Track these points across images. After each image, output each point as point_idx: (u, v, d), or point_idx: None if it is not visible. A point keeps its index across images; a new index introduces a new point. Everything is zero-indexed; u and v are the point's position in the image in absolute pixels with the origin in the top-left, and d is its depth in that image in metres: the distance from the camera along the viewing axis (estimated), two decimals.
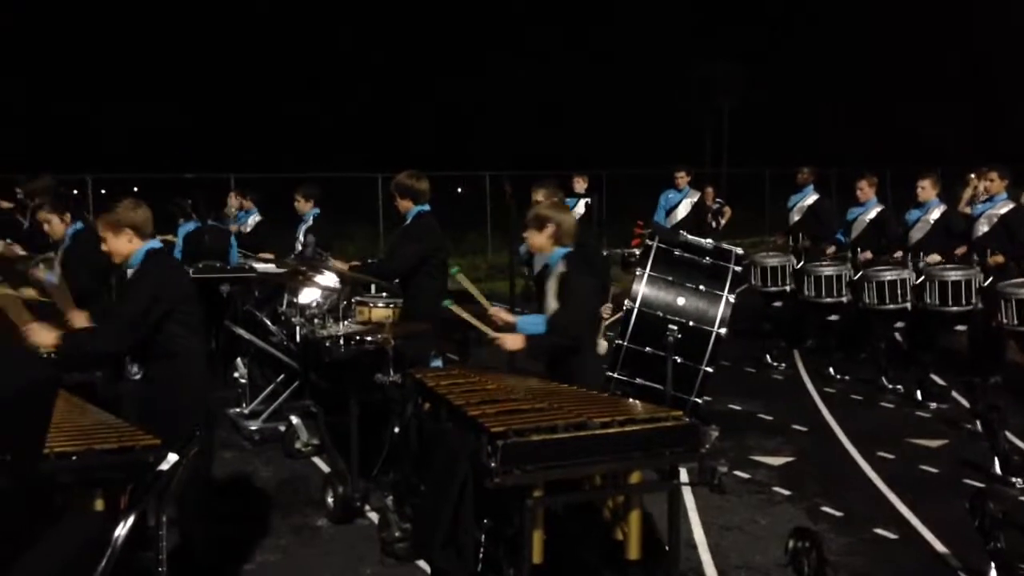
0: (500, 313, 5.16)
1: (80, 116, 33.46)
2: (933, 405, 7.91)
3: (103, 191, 17.57)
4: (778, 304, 9.78)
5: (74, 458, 3.16)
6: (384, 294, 6.48)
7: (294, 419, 6.79)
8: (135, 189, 20.30)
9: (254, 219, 10.60)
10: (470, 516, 4.12)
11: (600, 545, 4.19)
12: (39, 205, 7.24)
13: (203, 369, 4.51)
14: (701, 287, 6.51)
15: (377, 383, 5.22)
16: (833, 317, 9.09)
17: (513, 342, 4.82)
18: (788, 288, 9.57)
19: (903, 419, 7.66)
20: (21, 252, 7.18)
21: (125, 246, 4.40)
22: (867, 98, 38.38)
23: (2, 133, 30.11)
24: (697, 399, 6.44)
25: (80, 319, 4.70)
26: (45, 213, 6.89)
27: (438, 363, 5.90)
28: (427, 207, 6.29)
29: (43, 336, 4.13)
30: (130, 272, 4.43)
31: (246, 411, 7.32)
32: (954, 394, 8.22)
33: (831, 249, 9.48)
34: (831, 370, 9.00)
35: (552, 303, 4.86)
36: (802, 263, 9.57)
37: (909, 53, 37.31)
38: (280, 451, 6.82)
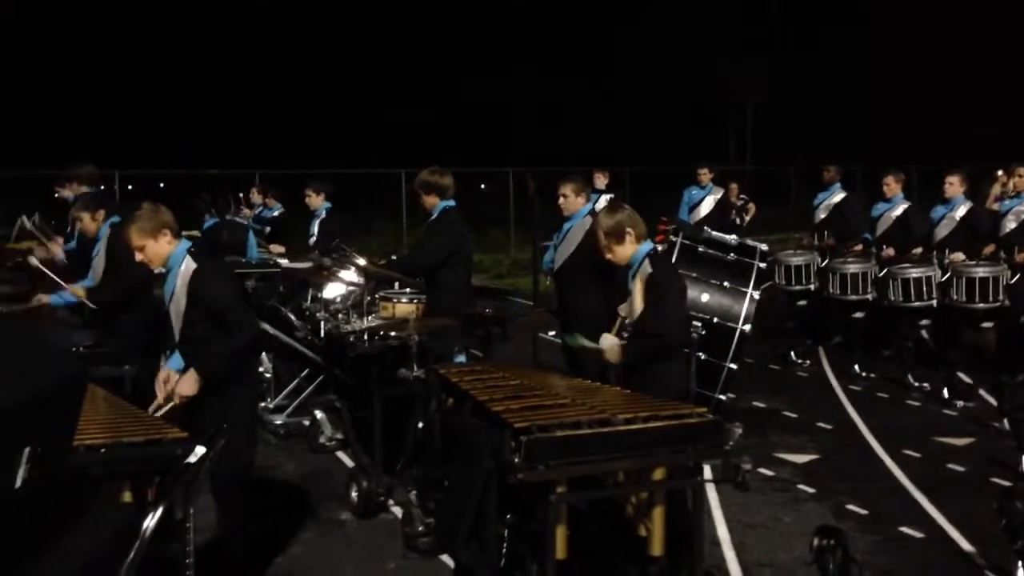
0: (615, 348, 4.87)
1: (108, 112, 33.75)
2: (960, 403, 7.84)
3: (130, 187, 17.72)
4: (803, 302, 9.71)
5: (103, 450, 3.20)
6: (408, 290, 6.49)
7: (318, 414, 6.83)
8: (161, 185, 20.49)
9: (276, 212, 10.69)
10: (493, 511, 4.13)
11: (623, 541, 4.19)
12: (79, 199, 7.28)
13: (253, 365, 4.69)
14: (725, 283, 6.52)
15: (401, 378, 5.24)
16: (858, 315, 9.01)
17: (613, 354, 4.66)
18: (813, 286, 9.51)
19: (929, 417, 7.60)
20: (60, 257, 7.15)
21: (165, 248, 4.39)
22: (894, 94, 38.02)
23: (29, 130, 30.46)
24: (721, 396, 6.47)
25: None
26: (76, 211, 6.93)
27: (462, 359, 5.91)
28: (452, 202, 6.28)
29: (188, 387, 4.19)
30: (182, 274, 4.37)
31: (271, 405, 7.37)
32: (981, 392, 8.14)
33: (858, 247, 9.41)
34: (856, 368, 8.94)
35: (639, 304, 4.68)
36: (827, 261, 9.49)
37: (937, 49, 36.94)
38: (305, 446, 6.86)
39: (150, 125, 33.94)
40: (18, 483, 1.94)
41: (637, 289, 4.66)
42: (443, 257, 6.06)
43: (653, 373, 4.60)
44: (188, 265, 4.35)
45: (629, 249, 4.71)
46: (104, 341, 5.57)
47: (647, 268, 4.62)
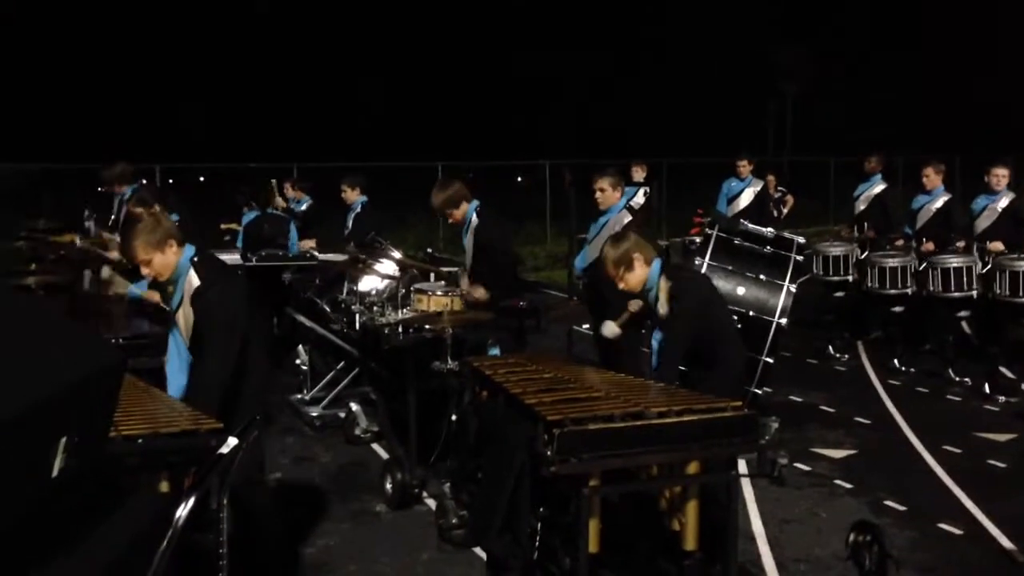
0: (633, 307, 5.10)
1: (148, 106, 34.18)
2: (1002, 398, 7.71)
3: (171, 180, 17.92)
4: (841, 294, 9.59)
5: (140, 441, 3.24)
6: (443, 282, 6.51)
7: (354, 406, 6.88)
8: (201, 179, 20.73)
9: (306, 205, 10.76)
10: (526, 504, 4.14)
11: (657, 535, 4.18)
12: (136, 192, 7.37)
13: (262, 379, 4.42)
14: (762, 276, 6.47)
15: (435, 371, 5.26)
16: (897, 308, 8.88)
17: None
18: (851, 278, 9.39)
19: (970, 412, 7.48)
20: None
21: (172, 258, 4.22)
22: (935, 83, 37.40)
23: (75, 124, 30.96)
24: (757, 390, 6.42)
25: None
26: (132, 206, 7.02)
27: (496, 351, 5.91)
28: (477, 202, 6.25)
29: None
30: (188, 285, 4.20)
31: (307, 397, 7.44)
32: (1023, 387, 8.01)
33: (899, 241, 9.26)
34: (896, 362, 8.81)
35: (663, 311, 4.74)
36: (866, 253, 9.37)
37: (982, 40, 36.28)
38: (340, 437, 6.91)
39: (191, 119, 34.33)
40: (55, 472, 1.98)
41: (663, 304, 4.73)
42: (513, 260, 6.07)
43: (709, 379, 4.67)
44: (192, 279, 4.18)
45: (640, 274, 4.77)
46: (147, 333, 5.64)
47: (663, 284, 4.71)
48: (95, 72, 33.64)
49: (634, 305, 4.89)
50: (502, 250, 6.17)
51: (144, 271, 4.30)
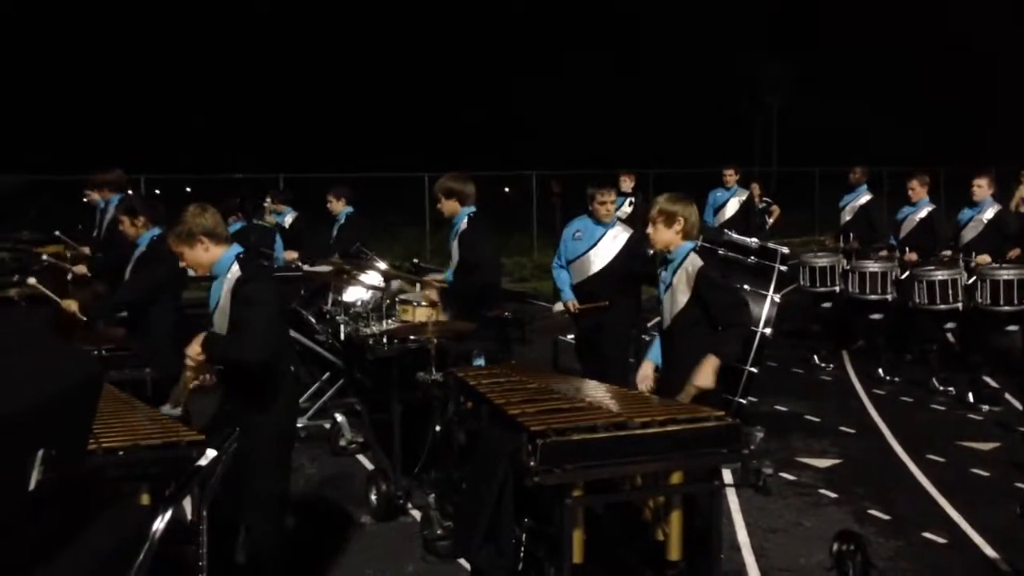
0: (645, 378, 4.94)
1: (133, 117, 34.09)
2: (985, 407, 7.75)
3: (156, 191, 17.87)
4: (827, 305, 9.63)
5: (121, 453, 3.22)
6: (428, 293, 6.50)
7: (339, 417, 6.87)
8: (187, 189, 20.66)
9: (290, 217, 10.72)
10: (510, 515, 4.13)
11: (641, 545, 4.17)
12: (123, 200, 7.33)
13: (294, 383, 4.42)
14: (745, 287, 6.45)
15: (419, 381, 5.25)
16: (876, 316, 8.91)
17: (703, 378, 4.52)
18: (837, 288, 9.42)
19: (954, 422, 7.51)
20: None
21: (203, 256, 4.14)
22: (920, 96, 37.68)
23: (57, 135, 30.85)
24: (741, 400, 6.41)
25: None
26: (119, 212, 6.99)
27: (480, 362, 5.91)
28: (473, 209, 6.25)
29: (193, 348, 3.96)
30: (228, 281, 4.13)
31: None
32: (1007, 396, 8.05)
33: (883, 252, 9.31)
34: (880, 371, 8.85)
35: (681, 298, 4.68)
36: (851, 263, 9.41)
37: (965, 51, 36.58)
38: (326, 448, 6.89)
39: (176, 129, 34.25)
40: (32, 485, 1.96)
41: (680, 282, 4.68)
42: (496, 263, 6.06)
43: (693, 365, 4.58)
44: (234, 273, 4.10)
45: (672, 238, 4.74)
46: (127, 343, 5.61)
47: (696, 261, 4.65)
48: (80, 83, 33.55)
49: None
50: (477, 261, 6.16)
51: (181, 263, 4.33)
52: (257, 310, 3.98)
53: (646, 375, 4.94)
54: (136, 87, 34.77)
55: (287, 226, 10.36)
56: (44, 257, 7.84)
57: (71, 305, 5.86)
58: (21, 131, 30.99)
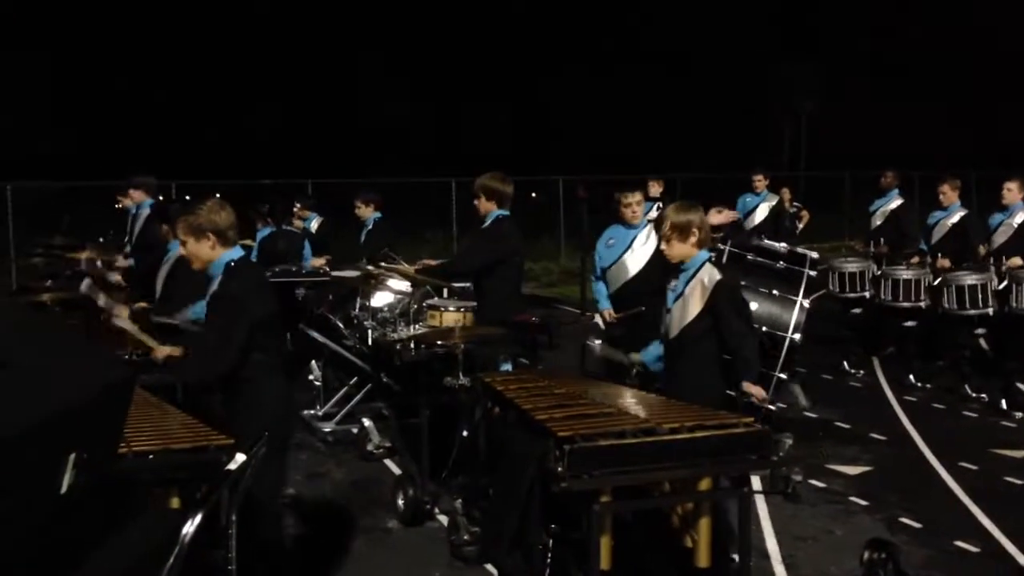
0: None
1: (164, 122, 34.45)
2: (1019, 414, 7.65)
3: (187, 197, 18.02)
4: (857, 310, 9.54)
5: (151, 457, 3.26)
6: (456, 298, 6.52)
7: (366, 421, 6.88)
8: (217, 195, 20.83)
9: (316, 222, 10.79)
10: (538, 520, 4.13)
11: (669, 552, 4.15)
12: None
13: (280, 394, 4.24)
14: (775, 292, 6.44)
15: (447, 386, 5.25)
16: (910, 323, 8.82)
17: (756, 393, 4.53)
18: (867, 294, 9.33)
19: (987, 429, 7.42)
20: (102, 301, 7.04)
21: (207, 252, 4.11)
22: (954, 99, 37.26)
23: (89, 140, 31.23)
24: (770, 406, 6.37)
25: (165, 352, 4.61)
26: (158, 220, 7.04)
27: (507, 367, 5.90)
28: (507, 212, 6.23)
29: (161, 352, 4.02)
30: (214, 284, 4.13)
31: (320, 413, 7.45)
32: None
33: (915, 259, 9.19)
34: (911, 378, 8.75)
35: (693, 309, 4.60)
36: (882, 268, 9.31)
37: (997, 51, 36.15)
38: (353, 452, 6.91)
39: (206, 135, 34.56)
40: (64, 488, 1.98)
41: (694, 294, 4.61)
42: (484, 264, 6.01)
43: (697, 377, 4.57)
44: (217, 281, 4.10)
45: (688, 250, 4.66)
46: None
47: (714, 275, 4.58)
48: (111, 88, 33.93)
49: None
50: (466, 250, 6.18)
51: (180, 250, 4.32)
52: (218, 324, 3.96)
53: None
54: (167, 92, 35.12)
55: (313, 231, 10.42)
56: (84, 259, 7.92)
57: (123, 311, 5.83)
58: (53, 137, 31.43)
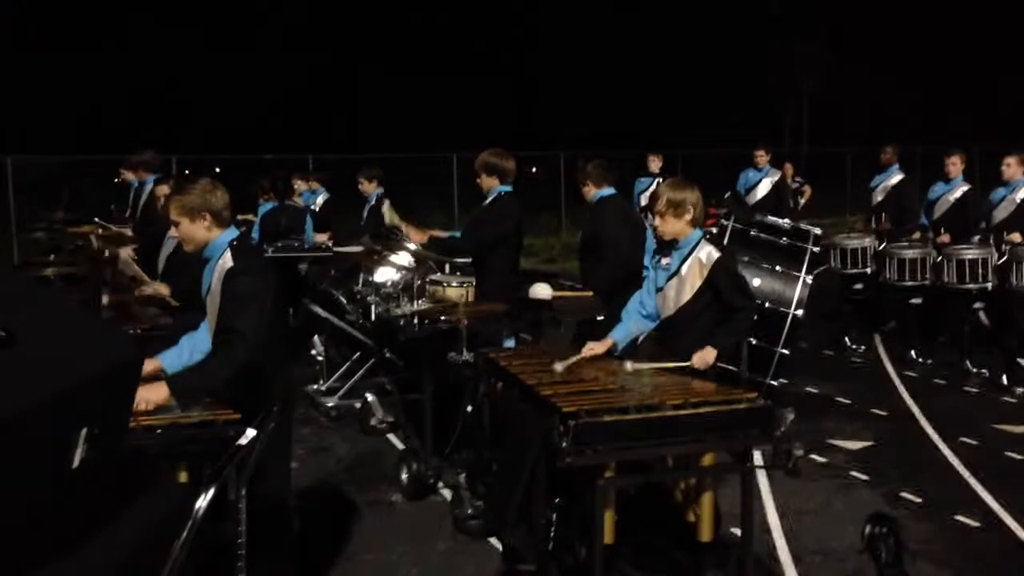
0: (596, 348, 4.65)
1: (163, 97, 34.31)
2: (1019, 390, 7.67)
3: (187, 171, 17.98)
4: (859, 286, 9.55)
5: (159, 431, 3.27)
6: (458, 273, 6.53)
7: (369, 396, 6.90)
8: (216, 170, 20.79)
9: (322, 198, 10.78)
10: (542, 495, 4.16)
11: (672, 526, 4.18)
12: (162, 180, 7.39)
13: (284, 370, 4.14)
14: (778, 268, 6.45)
15: (450, 362, 5.27)
16: (915, 300, 8.84)
17: (706, 357, 4.41)
18: (869, 270, 9.34)
19: (987, 404, 7.45)
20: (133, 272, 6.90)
21: (202, 233, 3.96)
22: (955, 75, 37.05)
23: (88, 115, 31.13)
24: (773, 381, 6.40)
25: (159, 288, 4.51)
26: (159, 190, 7.04)
27: (511, 343, 5.92)
28: (510, 187, 6.23)
29: (152, 394, 3.51)
30: (219, 268, 3.93)
31: (323, 388, 7.47)
32: None
33: (916, 235, 9.19)
34: (912, 353, 8.78)
35: (689, 287, 4.55)
36: (884, 245, 9.30)
37: (1000, 26, 35.91)
38: (356, 427, 6.94)
39: (204, 110, 34.43)
40: (75, 463, 2.00)
41: (691, 271, 4.59)
42: (489, 242, 6.02)
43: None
44: (226, 260, 3.91)
45: (682, 228, 4.60)
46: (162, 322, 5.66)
47: (712, 253, 4.55)
48: (110, 63, 33.75)
49: (599, 348, 4.76)
50: (468, 228, 6.25)
51: (172, 232, 4.12)
52: (247, 313, 3.76)
53: (595, 351, 4.64)
54: (166, 67, 34.93)
55: (318, 207, 10.42)
56: (92, 237, 7.93)
57: (160, 288, 5.80)
58: (52, 112, 31.32)
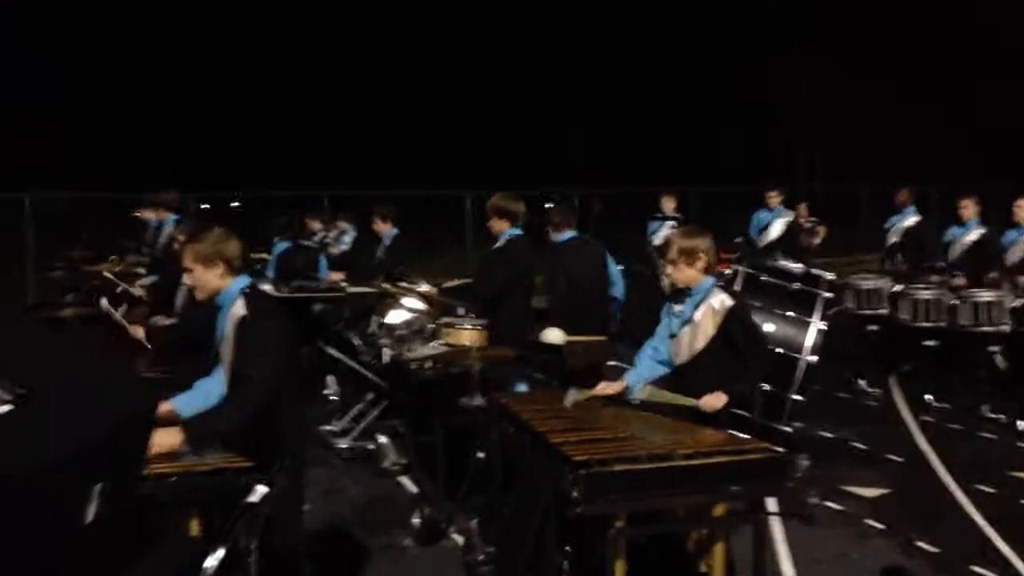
0: (609, 388, 4.72)
1: (179, 134, 34.69)
2: None
3: (204, 206, 18.11)
4: (873, 327, 9.50)
5: (172, 479, 3.28)
6: (472, 315, 6.54)
7: (382, 438, 6.90)
8: (233, 205, 20.95)
9: (351, 237, 10.87)
10: (552, 542, 4.14)
11: None
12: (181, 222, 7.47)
13: (296, 417, 4.15)
14: (789, 313, 6.42)
15: (462, 407, 5.27)
16: (930, 343, 8.78)
17: (715, 401, 4.38)
18: (884, 311, 9.29)
19: (1005, 450, 7.36)
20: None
21: (215, 281, 4.03)
22: (971, 110, 37.07)
23: (105, 152, 31.47)
24: (786, 428, 6.36)
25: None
26: (176, 233, 7.12)
27: (523, 387, 5.91)
28: (520, 231, 6.31)
29: (165, 439, 3.48)
30: (232, 315, 3.96)
31: (337, 428, 7.47)
32: None
33: (934, 277, 9.15)
34: (928, 397, 8.70)
35: (703, 335, 4.54)
36: (900, 286, 9.26)
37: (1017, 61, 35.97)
38: (369, 469, 6.92)
39: (220, 147, 34.77)
40: (88, 518, 2.01)
41: (704, 319, 4.59)
42: (503, 286, 6.09)
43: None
44: (238, 308, 3.95)
45: (695, 275, 4.61)
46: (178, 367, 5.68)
47: (725, 300, 4.55)
48: (126, 100, 34.18)
49: (612, 388, 4.77)
50: (480, 276, 6.37)
51: (185, 278, 4.19)
52: (259, 361, 3.80)
53: (608, 391, 4.68)
54: (181, 104, 35.34)
55: (348, 246, 10.50)
56: (107, 275, 8.00)
57: (138, 331, 5.91)
58: (69, 148, 31.67)
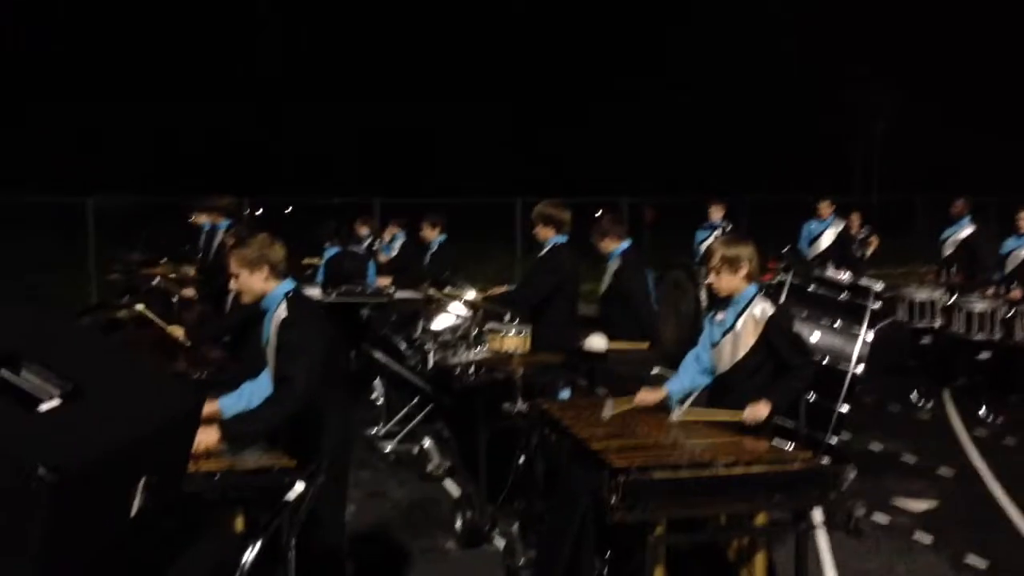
0: (648, 398, 4.70)
1: (235, 140, 35.28)
2: None
3: (259, 210, 18.39)
4: (926, 340, 9.34)
5: (217, 477, 3.36)
6: (516, 321, 6.57)
7: (427, 442, 6.96)
8: (287, 211, 21.26)
9: (400, 243, 10.98)
10: (591, 549, 4.15)
11: None
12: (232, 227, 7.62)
13: (341, 420, 4.22)
14: (836, 324, 6.36)
15: (504, 412, 5.30)
16: (984, 355, 8.60)
17: (758, 412, 4.27)
18: (937, 324, 9.13)
19: None
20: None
21: (260, 285, 4.13)
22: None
23: (161, 158, 32.15)
24: (832, 439, 6.29)
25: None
26: (227, 237, 7.27)
27: (566, 394, 5.93)
28: (565, 238, 6.36)
29: (205, 437, 3.54)
30: (275, 319, 4.06)
31: (382, 432, 7.55)
32: None
33: (990, 290, 8.96)
34: (982, 411, 8.53)
35: (744, 344, 4.49)
36: (954, 298, 9.11)
37: None
38: (414, 472, 6.98)
39: (276, 152, 35.31)
40: (133, 512, 2.08)
41: (746, 328, 4.56)
42: (546, 294, 6.14)
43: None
44: (281, 312, 4.05)
45: (738, 283, 4.57)
46: (228, 367, 5.80)
47: (766, 309, 4.51)
48: (182, 107, 34.86)
49: (652, 398, 4.75)
50: (526, 282, 6.48)
51: (231, 284, 4.29)
52: (298, 363, 3.86)
53: (647, 400, 4.68)
54: (239, 109, 35.96)
55: (397, 251, 10.61)
56: (156, 280, 8.17)
57: (176, 331, 6.07)
58: (129, 152, 32.42)
